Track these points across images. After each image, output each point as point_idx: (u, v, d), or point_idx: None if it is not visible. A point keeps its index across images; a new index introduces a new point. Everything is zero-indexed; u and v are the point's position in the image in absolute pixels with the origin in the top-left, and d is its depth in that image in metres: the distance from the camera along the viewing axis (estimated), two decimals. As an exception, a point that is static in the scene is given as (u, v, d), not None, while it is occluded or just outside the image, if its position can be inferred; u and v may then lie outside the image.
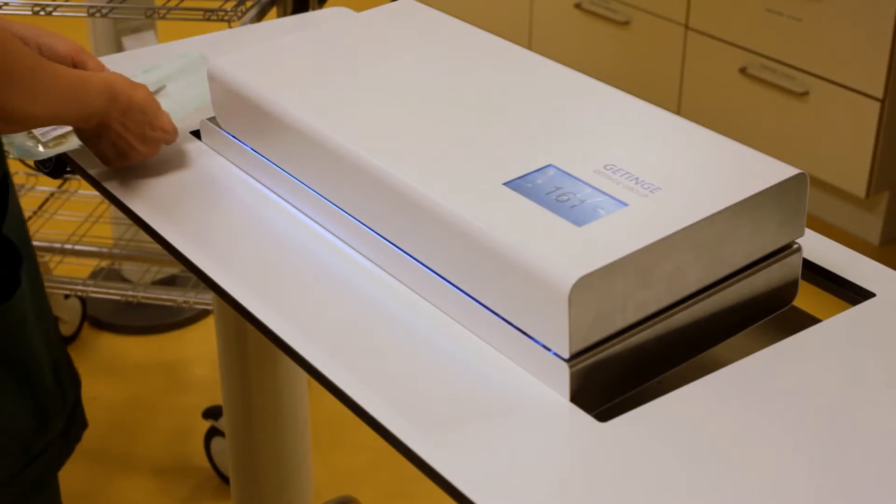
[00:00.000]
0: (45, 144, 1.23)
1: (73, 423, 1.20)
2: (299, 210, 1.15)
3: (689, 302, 0.97)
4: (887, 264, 1.09)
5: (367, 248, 1.08)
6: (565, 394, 0.92)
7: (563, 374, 0.91)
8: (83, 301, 2.44)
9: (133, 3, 2.01)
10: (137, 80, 1.26)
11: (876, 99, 2.53)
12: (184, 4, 1.95)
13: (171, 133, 1.22)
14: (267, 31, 1.58)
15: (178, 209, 1.17)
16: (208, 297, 2.22)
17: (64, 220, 2.44)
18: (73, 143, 1.23)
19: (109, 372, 2.36)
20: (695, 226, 0.95)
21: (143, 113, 1.18)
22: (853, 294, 1.05)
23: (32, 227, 2.40)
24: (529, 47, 2.41)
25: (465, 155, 1.06)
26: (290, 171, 1.16)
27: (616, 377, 0.94)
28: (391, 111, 1.13)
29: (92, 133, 1.17)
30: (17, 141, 1.24)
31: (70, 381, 1.20)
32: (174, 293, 2.27)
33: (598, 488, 0.84)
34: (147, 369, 2.38)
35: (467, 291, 0.99)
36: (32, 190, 2.48)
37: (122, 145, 1.19)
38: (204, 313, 2.49)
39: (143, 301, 2.29)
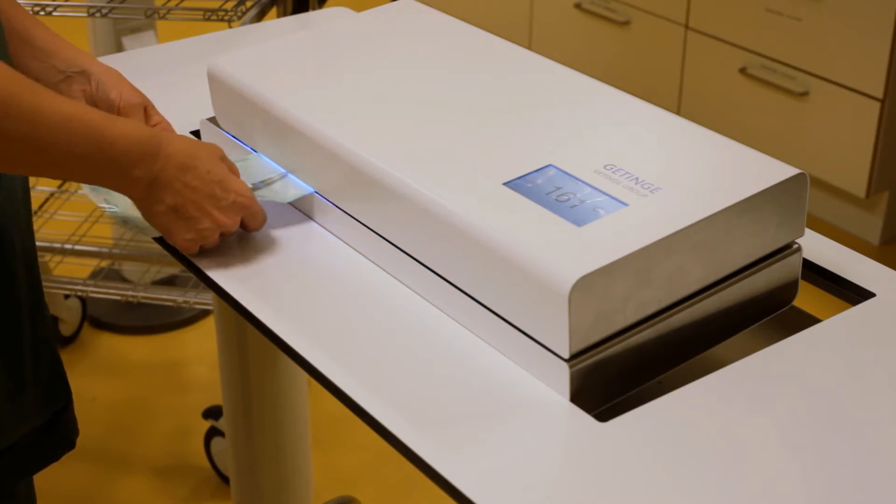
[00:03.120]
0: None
1: (49, 437, 1.13)
2: (298, 209, 1.15)
3: (689, 302, 0.97)
4: (887, 264, 1.09)
5: (366, 248, 1.08)
6: (565, 394, 0.92)
7: (563, 374, 0.91)
8: (83, 301, 2.44)
9: (133, 3, 2.01)
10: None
11: (876, 99, 2.53)
12: (184, 4, 1.95)
13: (248, 198, 1.07)
14: (267, 31, 1.58)
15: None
16: (208, 297, 2.22)
17: (64, 220, 2.44)
18: None
19: (109, 372, 2.36)
20: (695, 226, 0.95)
21: (209, 172, 1.03)
22: (853, 294, 1.05)
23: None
24: (529, 47, 2.41)
25: (465, 155, 1.06)
26: (290, 171, 1.16)
27: (616, 377, 0.94)
28: (391, 111, 1.13)
29: (145, 201, 1.02)
30: (121, 206, 1.11)
31: (45, 396, 1.12)
32: (174, 293, 2.27)
33: (598, 488, 0.84)
34: (147, 369, 2.38)
35: (467, 291, 0.99)
36: (33, 190, 2.48)
37: (188, 212, 1.03)
38: (204, 313, 2.49)
39: (143, 301, 2.29)
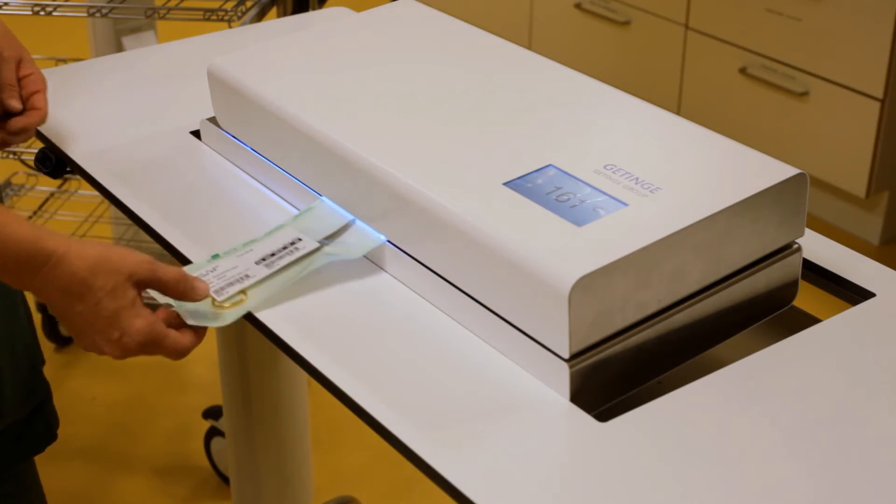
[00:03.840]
0: (220, 305, 1.01)
1: (31, 430, 1.15)
2: (299, 210, 1.15)
3: (689, 302, 0.97)
4: (887, 264, 1.09)
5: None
6: (565, 394, 0.92)
7: (563, 374, 0.91)
8: (83, 301, 2.44)
9: (133, 3, 2.01)
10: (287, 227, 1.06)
11: (876, 99, 2.53)
12: (184, 4, 1.95)
13: (139, 342, 0.97)
14: (267, 31, 1.58)
15: (178, 209, 1.17)
16: (208, 297, 2.22)
17: (64, 220, 2.44)
18: (254, 301, 1.01)
19: (109, 372, 2.36)
20: (695, 226, 0.95)
21: (98, 304, 0.94)
22: (853, 294, 1.05)
23: (32, 227, 2.40)
24: (529, 47, 2.41)
25: (465, 155, 1.06)
26: (290, 170, 1.16)
27: (616, 377, 0.94)
28: (391, 111, 1.13)
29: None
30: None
31: (15, 397, 1.14)
32: (174, 293, 2.27)
33: (598, 488, 0.84)
34: (147, 369, 2.38)
35: (467, 291, 0.99)
36: (32, 190, 2.48)
37: (81, 332, 0.97)
38: (204, 313, 2.49)
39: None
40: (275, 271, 1.03)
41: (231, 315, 1.00)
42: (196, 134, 1.28)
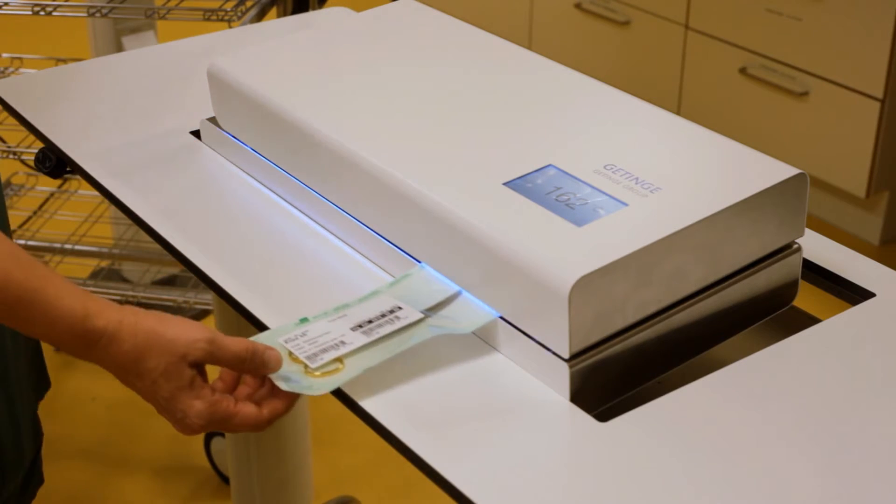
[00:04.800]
0: (311, 372, 0.92)
1: (31, 480, 1.12)
2: (299, 210, 1.15)
3: (689, 302, 0.97)
4: (887, 264, 1.09)
5: (366, 248, 1.08)
6: (565, 394, 0.92)
7: (563, 374, 0.91)
8: (83, 301, 2.44)
9: (133, 3, 2.01)
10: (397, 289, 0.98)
11: (876, 99, 2.53)
12: (184, 4, 1.95)
13: (203, 423, 0.89)
14: (267, 31, 1.58)
15: (178, 209, 1.17)
16: (208, 297, 2.22)
17: (64, 220, 2.44)
18: (354, 369, 0.92)
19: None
20: (695, 226, 0.95)
21: (154, 383, 0.89)
22: (853, 294, 1.05)
23: (32, 227, 2.40)
24: (529, 47, 2.41)
25: (465, 155, 1.06)
26: (290, 171, 1.16)
27: (616, 377, 0.94)
28: (391, 111, 1.13)
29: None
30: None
31: (30, 438, 1.12)
32: (174, 293, 2.27)
33: (598, 488, 0.84)
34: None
35: (467, 291, 0.99)
36: (32, 190, 2.48)
37: (151, 403, 0.91)
38: (204, 313, 2.49)
39: (143, 301, 2.29)
40: (374, 340, 0.94)
41: (326, 385, 0.91)
42: (196, 134, 1.28)
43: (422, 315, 0.97)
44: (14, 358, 1.10)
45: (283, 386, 0.91)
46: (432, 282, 1.00)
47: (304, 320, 0.96)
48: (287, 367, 0.92)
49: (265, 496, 1.71)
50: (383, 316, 0.97)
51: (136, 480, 2.12)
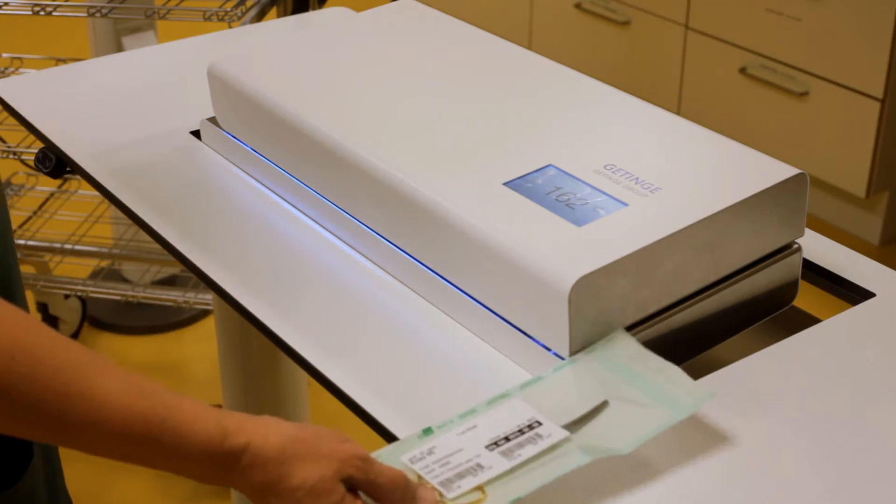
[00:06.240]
0: (447, 502, 0.79)
1: None
2: (299, 210, 1.15)
3: (689, 302, 0.97)
4: (887, 264, 1.09)
5: (366, 248, 1.08)
6: (565, 394, 0.92)
7: (563, 374, 0.91)
8: (83, 301, 2.44)
9: (133, 3, 2.01)
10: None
11: (876, 99, 2.53)
12: (184, 4, 1.95)
13: None
14: (267, 31, 1.58)
15: (178, 209, 1.17)
16: (208, 297, 2.22)
17: (64, 220, 2.44)
18: (499, 501, 0.80)
19: (109, 372, 2.36)
20: (695, 226, 0.95)
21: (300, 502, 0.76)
22: (853, 294, 1.05)
23: (32, 227, 2.41)
24: (529, 47, 2.41)
25: (465, 155, 1.06)
26: (290, 171, 1.16)
27: (616, 377, 0.94)
28: (391, 111, 1.13)
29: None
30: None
31: None
32: (174, 293, 2.27)
33: (598, 488, 0.84)
34: (147, 369, 2.38)
35: (467, 291, 0.99)
36: (32, 190, 2.48)
37: None
38: (204, 313, 2.49)
39: (143, 301, 2.29)
40: (517, 465, 0.82)
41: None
42: (196, 134, 1.28)
43: (567, 434, 0.84)
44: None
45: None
46: (571, 389, 0.88)
47: (427, 431, 0.84)
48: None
49: (265, 496, 1.71)
50: (521, 432, 0.84)
51: (136, 480, 2.12)
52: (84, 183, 1.34)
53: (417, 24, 1.30)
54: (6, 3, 1.94)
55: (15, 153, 2.20)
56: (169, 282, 2.44)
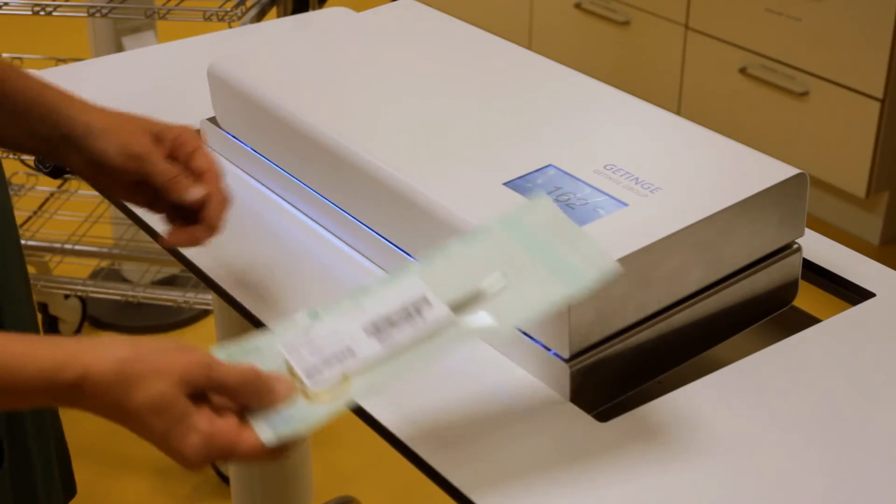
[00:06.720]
0: (313, 396, 0.77)
1: None
2: (299, 210, 1.15)
3: (689, 302, 0.97)
4: (887, 264, 1.09)
5: (366, 248, 1.08)
6: (565, 394, 0.92)
7: (563, 374, 0.91)
8: (83, 301, 2.44)
9: (133, 3, 2.01)
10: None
11: (876, 99, 2.53)
12: (184, 4, 1.95)
13: (217, 448, 0.76)
14: (267, 31, 1.58)
15: (178, 209, 1.17)
16: (208, 297, 2.22)
17: (64, 220, 2.44)
18: (358, 392, 0.78)
19: (109, 372, 2.36)
20: (695, 226, 0.95)
21: (148, 429, 0.76)
22: (853, 294, 1.05)
23: (32, 227, 2.41)
24: (529, 47, 2.41)
25: (465, 155, 1.06)
26: (290, 171, 1.16)
27: (616, 377, 0.94)
28: (391, 111, 1.13)
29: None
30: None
31: None
32: (174, 293, 2.27)
33: (599, 488, 0.84)
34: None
35: (467, 291, 0.99)
36: (32, 190, 2.48)
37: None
38: (204, 313, 2.49)
39: (143, 301, 2.29)
40: (389, 352, 0.78)
41: (326, 411, 0.76)
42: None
43: (449, 315, 0.79)
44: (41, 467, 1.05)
45: (262, 432, 0.76)
46: (473, 265, 0.81)
47: (312, 314, 0.80)
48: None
49: (265, 496, 1.71)
50: (406, 313, 0.79)
51: (136, 480, 2.12)
52: (84, 183, 1.34)
53: (417, 24, 1.30)
54: (6, 3, 1.94)
55: (15, 153, 2.20)
56: (169, 282, 2.44)
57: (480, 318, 0.79)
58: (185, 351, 0.77)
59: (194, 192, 0.96)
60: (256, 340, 0.81)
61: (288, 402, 0.77)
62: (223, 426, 0.76)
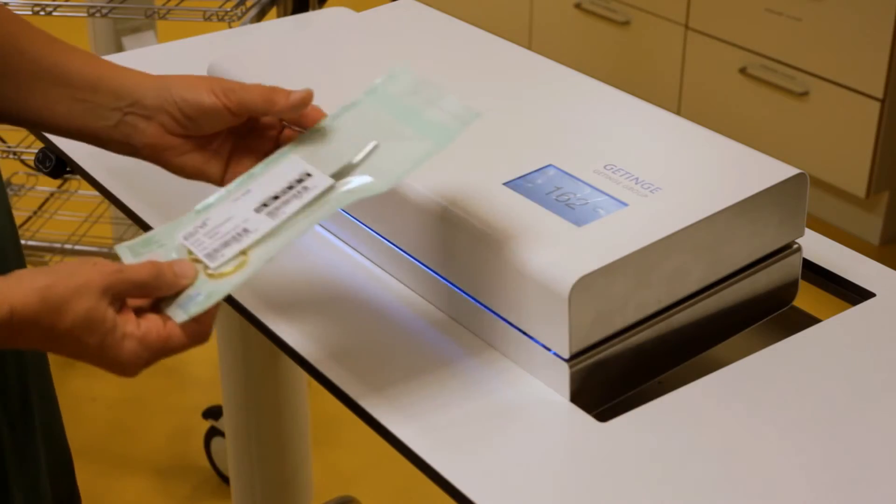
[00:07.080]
0: (215, 273, 0.82)
1: None
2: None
3: (689, 302, 0.97)
4: (887, 264, 1.09)
5: (366, 248, 1.08)
6: (565, 394, 0.92)
7: (563, 374, 0.91)
8: (83, 301, 2.44)
9: (133, 3, 2.01)
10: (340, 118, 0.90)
11: (876, 99, 2.53)
12: (184, 4, 1.95)
13: (143, 359, 0.80)
14: (267, 31, 1.58)
15: (178, 209, 1.16)
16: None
17: (64, 220, 2.44)
18: (257, 263, 0.82)
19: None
20: (695, 226, 0.95)
21: (78, 342, 0.78)
22: (853, 294, 1.05)
23: (32, 227, 2.41)
24: (529, 47, 2.41)
25: (464, 155, 1.05)
26: (290, 171, 1.16)
27: (616, 377, 0.94)
28: (391, 111, 1.13)
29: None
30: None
31: None
32: (174, 293, 2.27)
33: (599, 488, 0.84)
34: (147, 369, 2.38)
35: (467, 291, 0.99)
36: (32, 190, 2.48)
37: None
38: (204, 313, 2.49)
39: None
40: (280, 223, 0.83)
41: (230, 284, 0.80)
42: (196, 134, 1.28)
43: (332, 182, 0.85)
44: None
45: (178, 316, 0.80)
46: (345, 136, 0.89)
47: (204, 206, 0.86)
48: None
49: (265, 496, 1.71)
50: (290, 188, 0.85)
51: (136, 480, 2.12)
52: (84, 183, 1.34)
53: (417, 24, 1.30)
54: (6, 4, 1.94)
55: (15, 153, 2.20)
56: (169, 282, 2.43)
57: (360, 178, 0.86)
58: (95, 263, 0.79)
59: (297, 92, 0.93)
60: (156, 234, 0.86)
61: (194, 284, 0.81)
62: (150, 325, 0.80)
